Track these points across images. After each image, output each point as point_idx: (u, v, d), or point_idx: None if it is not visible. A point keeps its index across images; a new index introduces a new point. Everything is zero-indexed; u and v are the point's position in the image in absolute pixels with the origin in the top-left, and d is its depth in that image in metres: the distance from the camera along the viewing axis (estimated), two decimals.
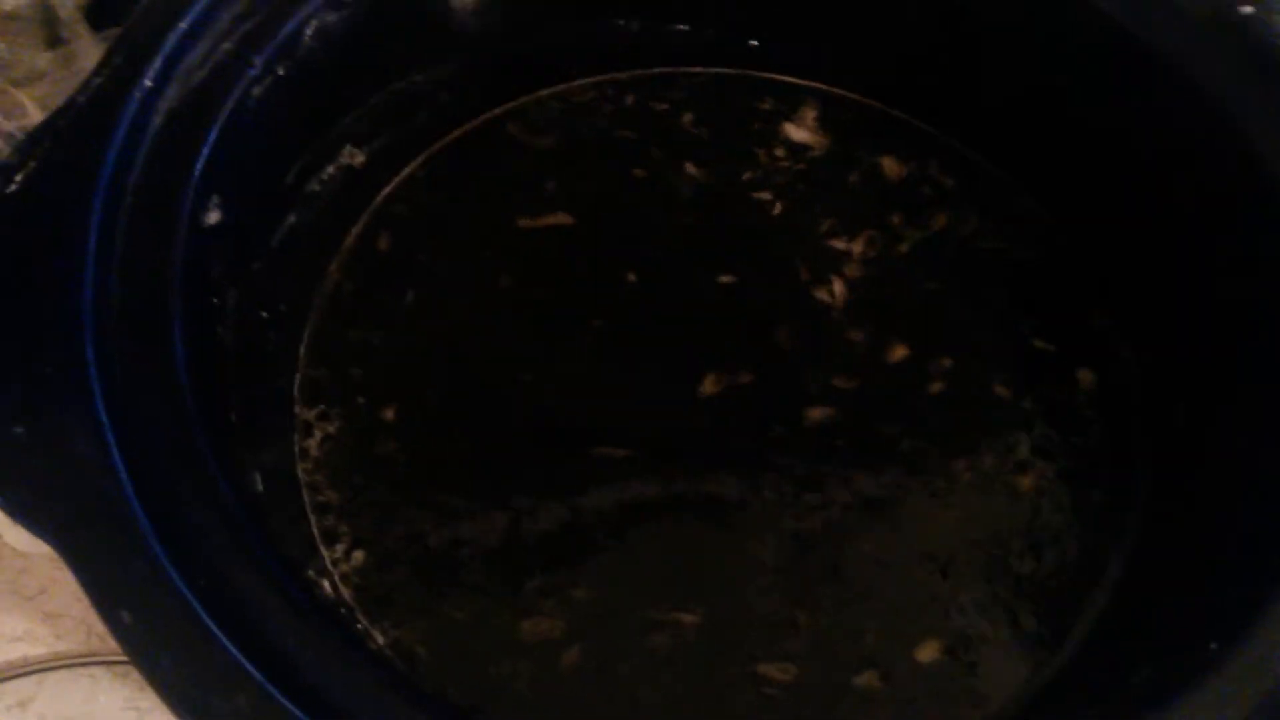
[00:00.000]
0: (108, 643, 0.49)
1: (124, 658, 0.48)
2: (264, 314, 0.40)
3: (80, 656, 0.49)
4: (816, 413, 0.42)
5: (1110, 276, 0.45)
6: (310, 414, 0.41)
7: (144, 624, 0.26)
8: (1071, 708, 0.34)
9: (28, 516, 0.27)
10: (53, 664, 0.49)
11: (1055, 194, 0.47)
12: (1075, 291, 0.46)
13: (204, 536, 0.28)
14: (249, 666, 0.26)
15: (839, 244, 0.46)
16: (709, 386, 0.42)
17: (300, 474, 0.39)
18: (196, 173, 0.34)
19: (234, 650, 0.26)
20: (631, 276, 0.45)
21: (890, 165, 0.49)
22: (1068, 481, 0.41)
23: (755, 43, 0.50)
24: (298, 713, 0.25)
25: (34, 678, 0.48)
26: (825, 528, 0.40)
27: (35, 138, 0.33)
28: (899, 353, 0.44)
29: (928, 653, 0.38)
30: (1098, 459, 0.42)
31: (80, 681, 0.48)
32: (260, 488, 0.35)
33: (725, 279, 0.45)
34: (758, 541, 0.40)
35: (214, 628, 0.26)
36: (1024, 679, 0.38)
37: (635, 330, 0.44)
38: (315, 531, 0.38)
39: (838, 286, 0.45)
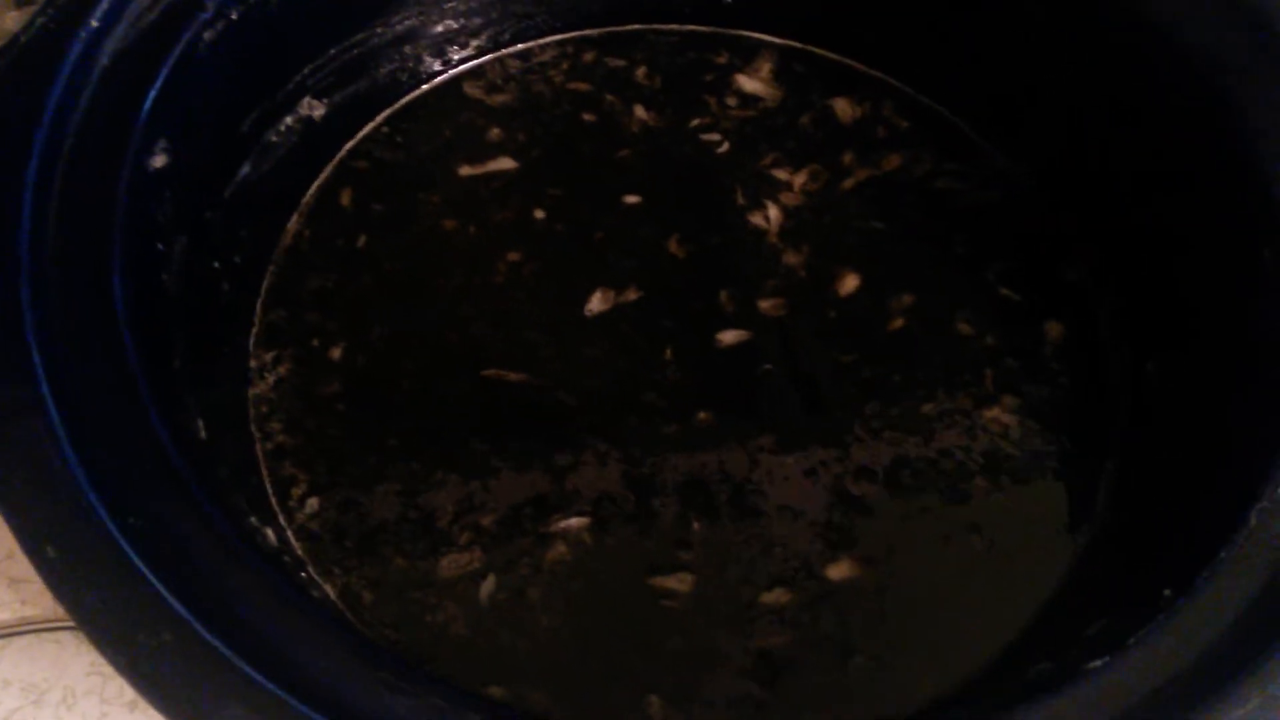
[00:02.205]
0: None
1: None
2: (216, 264, 0.39)
3: (46, 621, 0.48)
4: (729, 336, 0.43)
5: (1078, 226, 0.45)
6: (266, 357, 0.41)
7: (69, 559, 0.26)
8: (1024, 661, 0.34)
9: None
10: (18, 629, 0.48)
11: (1017, 142, 0.47)
12: (1041, 240, 0.46)
13: (135, 477, 0.27)
14: (175, 604, 0.25)
15: (781, 174, 0.46)
16: (596, 305, 0.43)
17: (253, 420, 0.39)
18: (143, 114, 0.34)
19: (160, 587, 0.25)
20: (539, 213, 0.46)
21: (843, 107, 0.48)
22: (1035, 419, 0.41)
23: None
24: (224, 649, 0.24)
25: None
26: (738, 448, 0.40)
27: None
28: (850, 284, 0.44)
29: (841, 570, 0.38)
30: (1064, 407, 0.41)
31: (46, 646, 0.48)
32: (204, 434, 0.34)
33: (630, 199, 0.46)
34: (642, 454, 0.40)
35: (140, 565, 0.25)
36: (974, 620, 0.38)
37: (545, 259, 0.45)
38: (268, 480, 0.38)
39: (773, 212, 0.45)
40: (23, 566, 0.49)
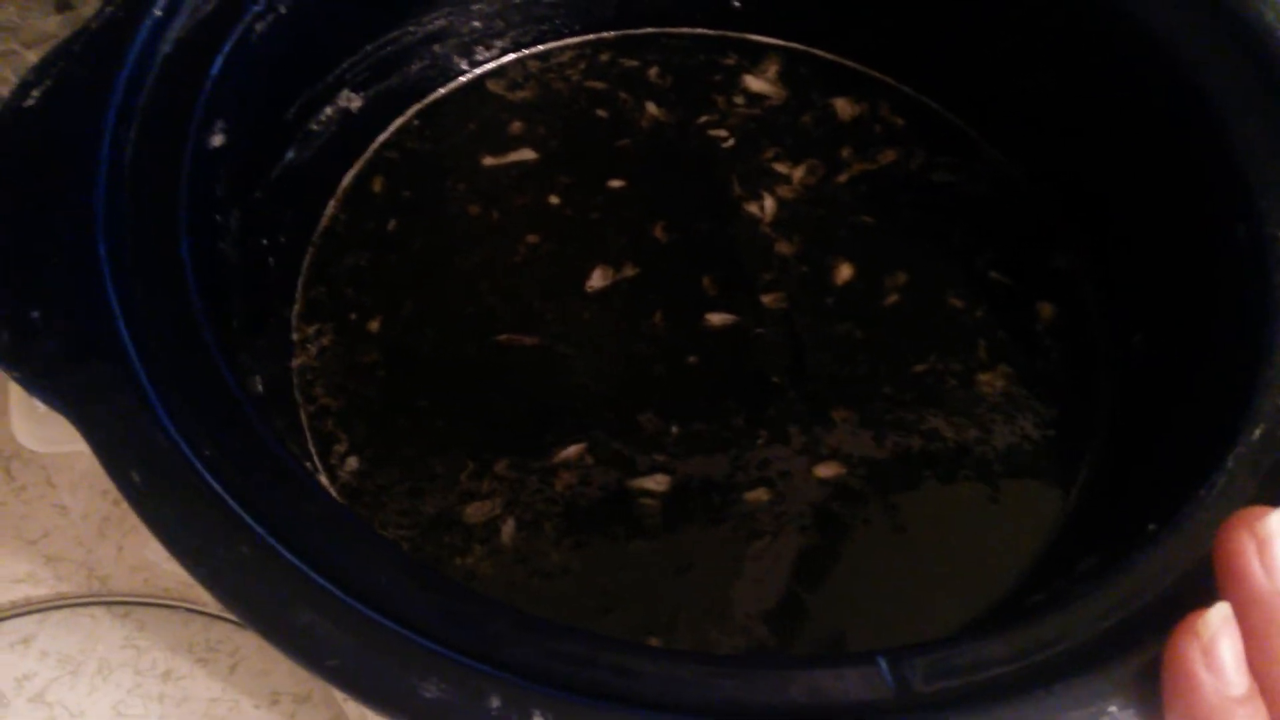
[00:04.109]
0: (108, 584, 0.51)
1: (123, 598, 0.50)
2: (264, 241, 0.42)
3: (81, 597, 0.50)
4: (717, 318, 0.46)
5: (1067, 215, 0.48)
6: (309, 330, 0.43)
7: (151, 484, 0.28)
8: (1020, 598, 0.36)
9: (42, 390, 0.29)
10: (54, 604, 0.50)
11: (1009, 137, 0.50)
12: (1032, 229, 0.48)
13: (207, 413, 0.30)
14: (251, 521, 0.27)
15: (780, 168, 0.50)
16: (596, 281, 0.46)
17: (297, 388, 0.41)
18: (203, 96, 0.37)
19: (236, 507, 0.28)
20: (554, 199, 0.49)
21: (843, 106, 0.52)
22: (1027, 386, 0.44)
23: (737, 4, 0.53)
24: (297, 562, 0.27)
25: (36, 617, 0.50)
26: (724, 382, 0.44)
27: (51, 59, 0.35)
28: (845, 272, 0.47)
29: (829, 470, 0.41)
30: (1056, 376, 0.44)
31: (81, 621, 0.50)
32: (260, 389, 0.36)
33: (628, 187, 0.49)
34: (632, 388, 0.43)
35: (217, 487, 0.28)
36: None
37: (559, 240, 0.48)
38: (311, 442, 0.40)
39: (769, 202, 0.48)
40: (58, 544, 0.51)
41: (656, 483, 0.41)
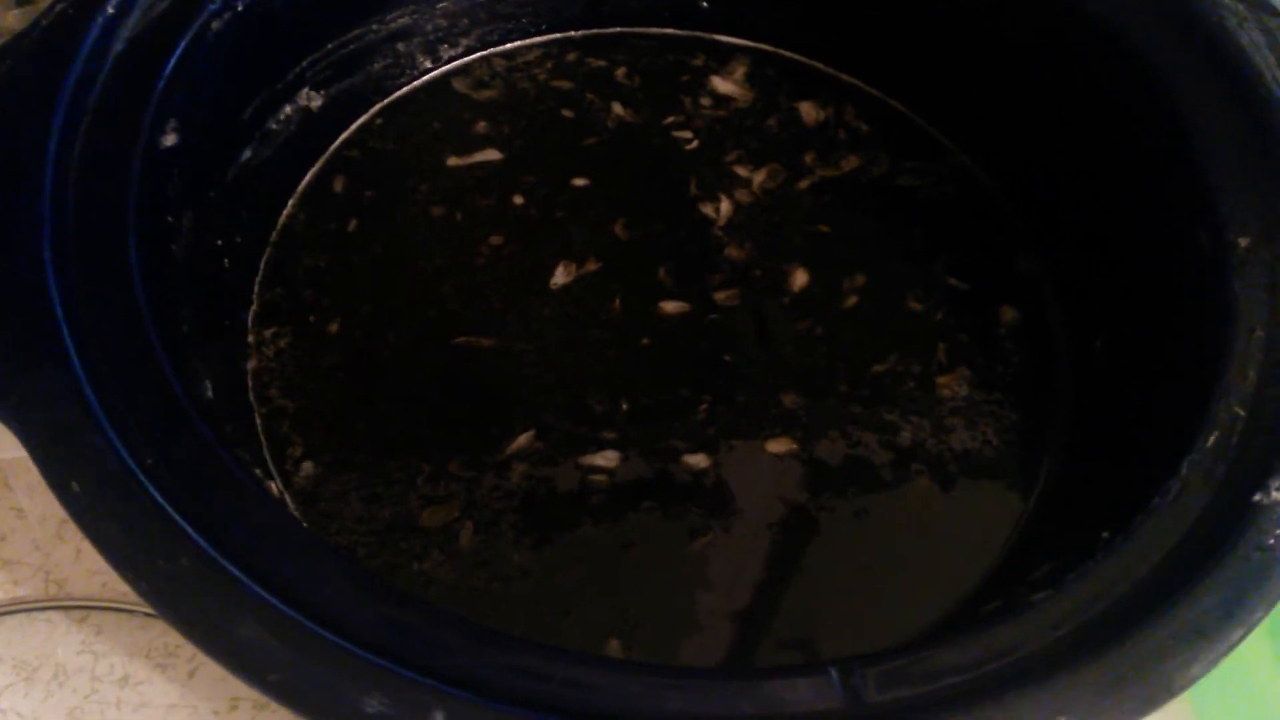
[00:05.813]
0: (65, 589, 0.50)
1: (81, 603, 0.49)
2: (219, 242, 0.41)
3: (37, 601, 0.49)
4: (671, 305, 0.46)
5: (1031, 218, 0.48)
6: (265, 333, 0.43)
7: (91, 494, 0.27)
8: (977, 604, 0.36)
9: None
10: (10, 609, 0.49)
11: (974, 140, 0.50)
12: (996, 232, 0.48)
13: (152, 422, 0.29)
14: (192, 533, 0.27)
15: (742, 171, 0.50)
16: (559, 278, 0.46)
17: (252, 391, 0.41)
18: (155, 95, 0.36)
19: (178, 518, 0.27)
20: (518, 200, 0.48)
21: (808, 110, 0.52)
22: (985, 389, 0.44)
23: (705, 4, 0.53)
24: (238, 574, 0.26)
25: None
26: (677, 364, 0.44)
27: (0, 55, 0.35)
28: (800, 279, 0.47)
29: (779, 445, 0.41)
30: (1015, 381, 0.44)
31: (37, 626, 0.49)
32: (210, 395, 0.36)
33: (591, 186, 0.49)
34: (582, 371, 0.44)
35: (159, 498, 0.27)
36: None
37: (522, 241, 0.47)
38: (265, 446, 0.40)
39: (724, 205, 0.48)
40: (14, 549, 0.50)
41: (606, 459, 0.41)
